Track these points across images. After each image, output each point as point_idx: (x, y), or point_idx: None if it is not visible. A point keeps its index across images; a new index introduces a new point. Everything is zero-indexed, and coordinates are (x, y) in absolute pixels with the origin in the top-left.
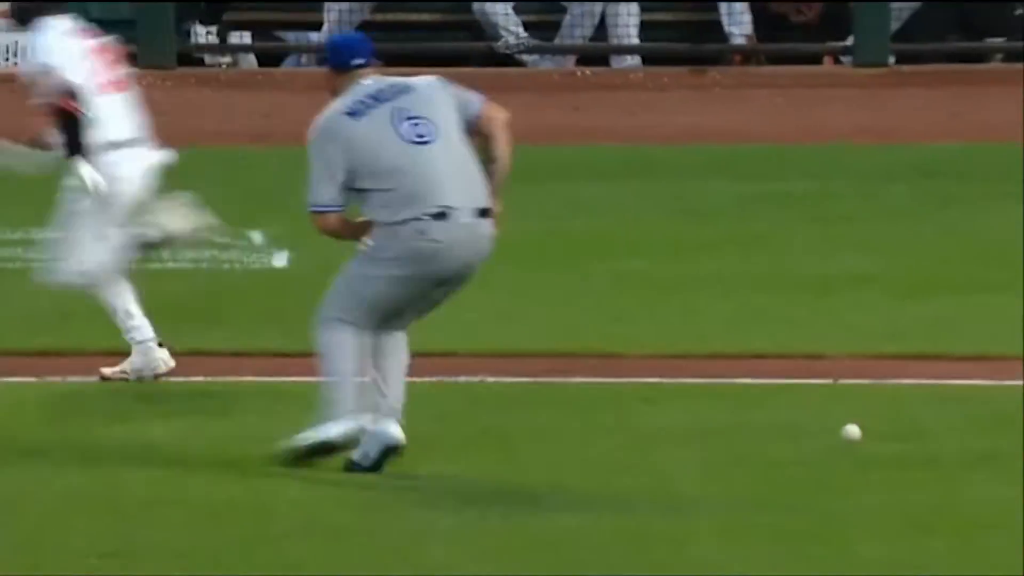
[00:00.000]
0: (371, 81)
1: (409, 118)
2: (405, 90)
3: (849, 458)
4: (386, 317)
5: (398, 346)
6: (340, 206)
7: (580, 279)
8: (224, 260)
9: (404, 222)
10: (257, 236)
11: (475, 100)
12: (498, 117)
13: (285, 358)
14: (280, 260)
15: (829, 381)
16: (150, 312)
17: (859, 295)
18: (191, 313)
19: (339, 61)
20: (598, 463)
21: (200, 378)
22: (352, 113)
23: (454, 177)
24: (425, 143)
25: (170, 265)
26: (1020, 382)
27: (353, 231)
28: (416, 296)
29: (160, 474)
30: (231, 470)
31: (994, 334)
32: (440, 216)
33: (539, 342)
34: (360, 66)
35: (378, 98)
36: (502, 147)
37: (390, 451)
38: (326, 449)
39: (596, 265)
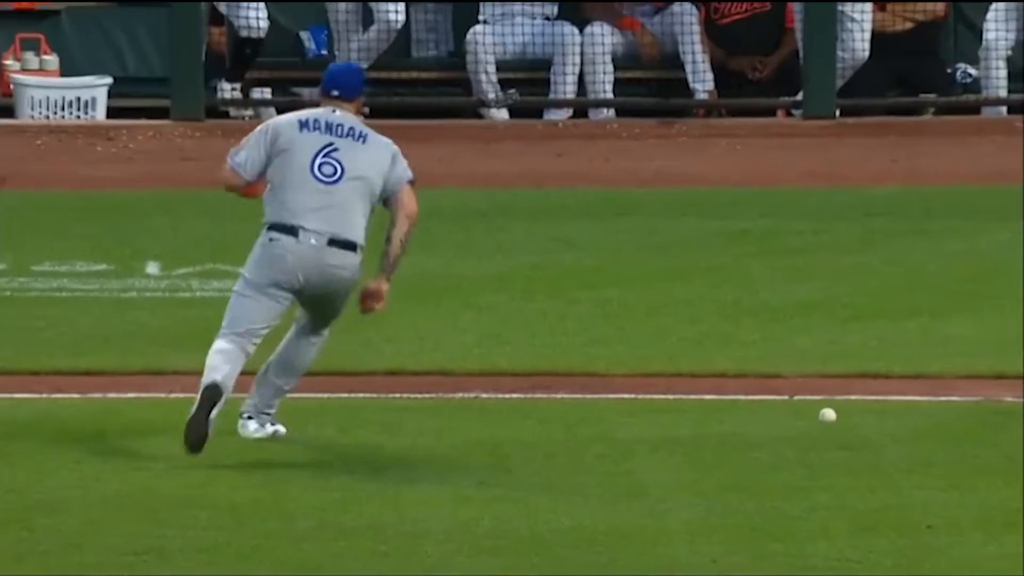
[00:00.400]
0: (339, 114)
1: (329, 156)
2: (356, 137)
3: (802, 465)
4: (260, 326)
5: (300, 345)
6: (247, 174)
7: (564, 306)
8: None
9: (268, 226)
10: None
11: (403, 180)
12: (407, 206)
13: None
14: None
15: (784, 397)
16: (182, 336)
17: (810, 320)
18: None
19: (323, 86)
20: (580, 470)
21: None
22: (303, 124)
23: (325, 211)
24: (322, 182)
25: (198, 294)
26: (956, 397)
27: (232, 188)
28: (269, 294)
29: (189, 480)
30: (253, 476)
31: (930, 354)
32: (291, 232)
33: (527, 362)
34: (335, 96)
35: (330, 128)
36: (398, 232)
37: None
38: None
39: (578, 293)
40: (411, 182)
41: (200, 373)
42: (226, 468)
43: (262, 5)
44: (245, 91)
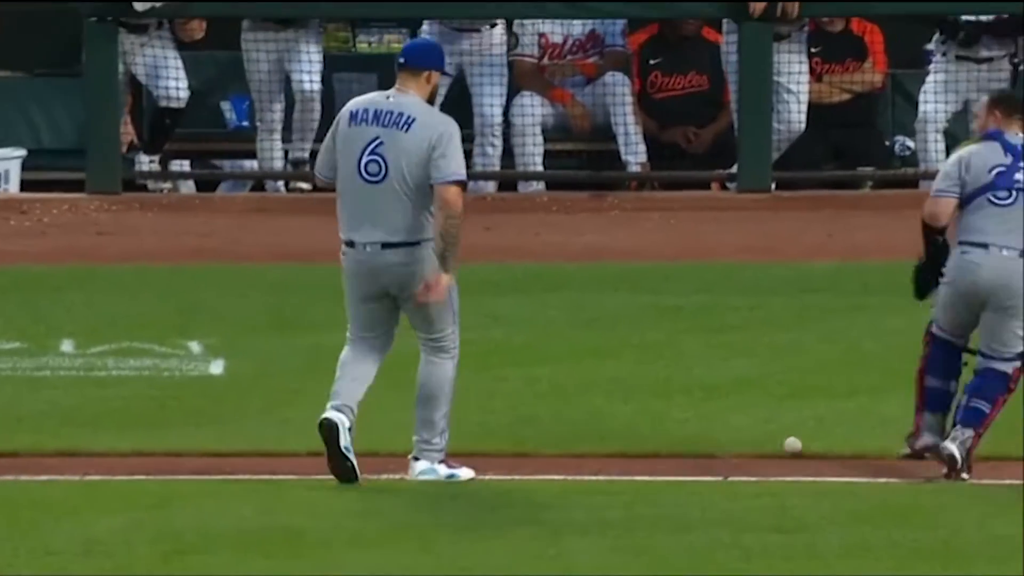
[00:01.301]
0: (394, 97)
1: (374, 152)
2: (400, 125)
3: (737, 548)
4: (373, 330)
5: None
6: (323, 175)
7: (492, 384)
8: (164, 368)
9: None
10: (195, 346)
11: (442, 176)
12: (444, 205)
13: (220, 457)
14: (216, 368)
15: (718, 478)
16: (98, 416)
17: (745, 398)
18: (134, 417)
19: (398, 59)
20: (508, 553)
21: (142, 476)
22: (352, 116)
23: (375, 215)
24: (368, 182)
25: (114, 373)
26: (894, 479)
27: None
28: (375, 307)
29: (103, 565)
30: (169, 560)
31: (868, 434)
32: (350, 244)
33: (454, 442)
34: (401, 65)
35: (378, 118)
36: (438, 228)
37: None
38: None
39: (507, 371)
40: (452, 182)
41: (116, 455)
42: (142, 551)
43: (182, 74)
44: (163, 163)
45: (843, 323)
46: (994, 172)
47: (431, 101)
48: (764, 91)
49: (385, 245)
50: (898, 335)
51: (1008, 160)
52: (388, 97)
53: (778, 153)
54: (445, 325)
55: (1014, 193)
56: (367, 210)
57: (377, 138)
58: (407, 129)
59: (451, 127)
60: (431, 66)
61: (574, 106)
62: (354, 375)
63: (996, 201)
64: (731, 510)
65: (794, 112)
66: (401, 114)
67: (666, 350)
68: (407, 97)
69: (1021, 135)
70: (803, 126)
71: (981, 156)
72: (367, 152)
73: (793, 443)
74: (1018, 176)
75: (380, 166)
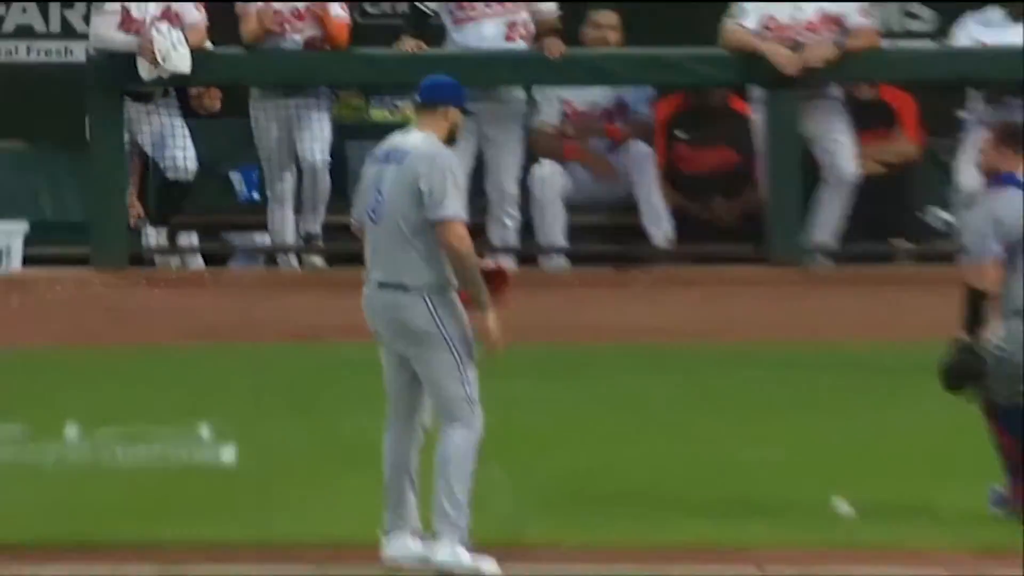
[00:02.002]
0: (408, 134)
1: (377, 190)
2: (398, 160)
3: None
4: (395, 395)
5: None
6: (356, 218)
7: (516, 471)
8: (174, 454)
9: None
10: (205, 430)
11: (433, 215)
12: (445, 245)
13: (235, 549)
14: (227, 454)
15: (756, 571)
16: (108, 508)
17: (783, 485)
18: (141, 504)
19: (414, 97)
20: None
21: (148, 567)
22: (371, 157)
23: (376, 253)
24: (372, 220)
25: (121, 459)
26: (939, 572)
27: None
28: (391, 364)
29: None
30: None
31: (910, 524)
32: (367, 283)
33: (478, 534)
34: (417, 104)
35: (386, 157)
36: (455, 265)
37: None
38: None
39: (531, 457)
40: (446, 221)
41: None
42: None
43: (190, 144)
44: (171, 237)
45: (881, 405)
46: None
47: (451, 141)
48: (793, 160)
49: (381, 285)
50: (939, 416)
51: None
52: (406, 135)
53: (835, 217)
54: (447, 391)
55: None
56: (372, 248)
57: (380, 175)
58: (400, 163)
59: (442, 158)
60: (446, 102)
61: (595, 162)
62: (392, 475)
63: None
64: None
65: (842, 157)
66: (402, 150)
67: (695, 432)
68: (417, 134)
69: None
70: (857, 170)
71: (1009, 209)
72: (372, 190)
73: (843, 506)
74: None
75: (379, 202)
